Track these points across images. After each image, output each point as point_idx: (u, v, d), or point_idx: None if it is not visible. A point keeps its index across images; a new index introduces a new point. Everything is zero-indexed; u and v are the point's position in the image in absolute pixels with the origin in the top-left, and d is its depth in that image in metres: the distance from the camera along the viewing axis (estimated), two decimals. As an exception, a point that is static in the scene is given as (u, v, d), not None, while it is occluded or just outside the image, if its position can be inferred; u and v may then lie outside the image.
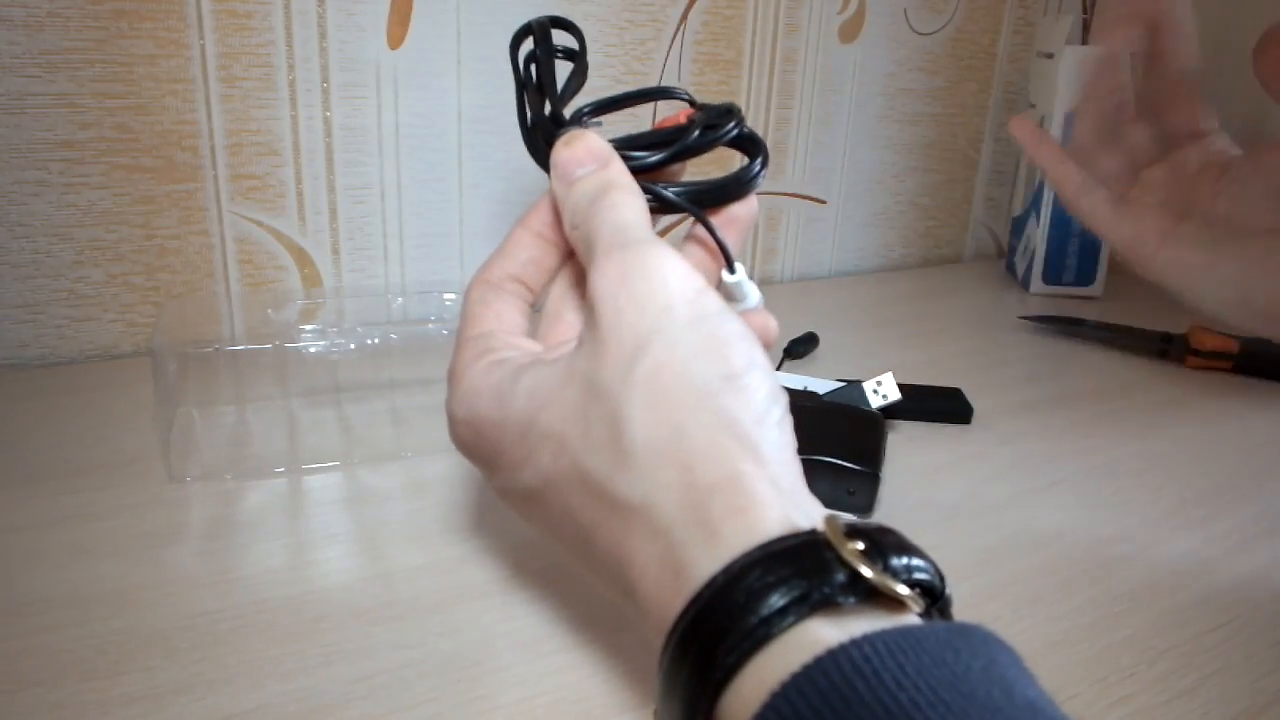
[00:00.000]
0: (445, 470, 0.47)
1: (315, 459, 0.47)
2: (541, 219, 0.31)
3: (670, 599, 0.22)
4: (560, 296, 0.33)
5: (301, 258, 0.64)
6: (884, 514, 0.44)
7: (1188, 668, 0.35)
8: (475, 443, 0.29)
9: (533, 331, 0.32)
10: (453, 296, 0.55)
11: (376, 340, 0.48)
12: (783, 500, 0.23)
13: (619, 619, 0.36)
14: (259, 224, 0.62)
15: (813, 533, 0.22)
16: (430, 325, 0.55)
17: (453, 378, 0.30)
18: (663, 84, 0.34)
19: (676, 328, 0.25)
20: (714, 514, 0.22)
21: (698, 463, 0.23)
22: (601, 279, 0.26)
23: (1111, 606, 0.38)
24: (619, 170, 0.29)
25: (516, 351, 0.29)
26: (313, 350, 0.46)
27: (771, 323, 0.32)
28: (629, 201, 0.28)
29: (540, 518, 0.28)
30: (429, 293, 0.56)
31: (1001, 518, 0.45)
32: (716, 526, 0.22)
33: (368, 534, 0.41)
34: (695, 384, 0.24)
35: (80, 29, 0.54)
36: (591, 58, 0.68)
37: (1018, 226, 0.84)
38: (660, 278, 0.25)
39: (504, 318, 0.31)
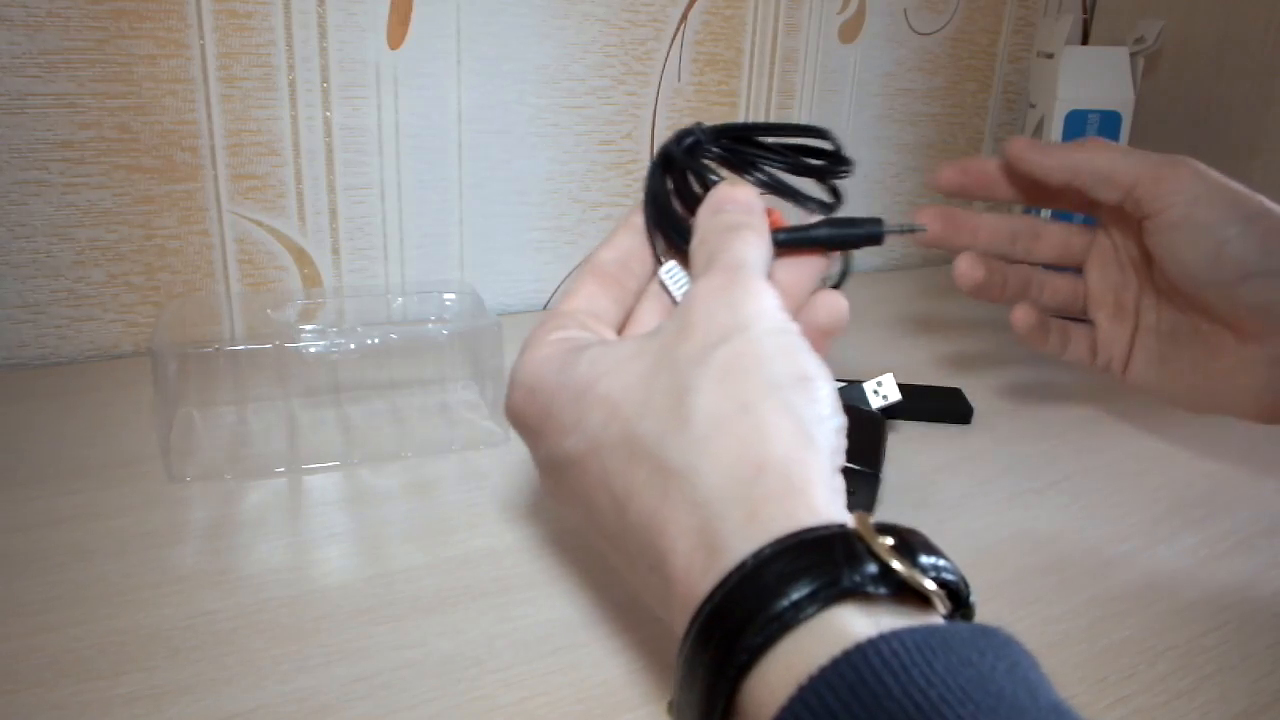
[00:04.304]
0: (445, 470, 0.47)
1: (315, 459, 0.47)
2: (640, 217, 0.34)
3: (699, 578, 0.23)
4: (646, 298, 0.34)
5: (301, 258, 0.64)
6: (884, 514, 0.44)
7: (1186, 668, 0.35)
8: (527, 406, 0.30)
9: (620, 326, 0.34)
10: (453, 296, 0.55)
11: (376, 340, 0.48)
12: (826, 495, 0.23)
13: (619, 620, 0.36)
14: (259, 224, 0.62)
15: (844, 526, 0.22)
16: (430, 325, 0.55)
17: (526, 343, 0.31)
18: (816, 124, 0.35)
19: (761, 330, 0.26)
20: (757, 493, 0.23)
21: (755, 439, 0.24)
22: (706, 283, 0.28)
23: (1111, 606, 0.38)
24: (761, 224, 0.31)
25: (589, 334, 0.31)
26: (313, 350, 0.46)
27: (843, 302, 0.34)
28: (759, 244, 0.30)
29: (576, 488, 0.28)
30: (429, 293, 0.56)
31: (1001, 518, 0.45)
32: (757, 508, 0.23)
33: (368, 534, 0.41)
34: (768, 375, 0.25)
35: (80, 29, 0.54)
36: (591, 57, 0.69)
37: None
38: (758, 296, 0.27)
39: (595, 300, 0.32)
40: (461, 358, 0.56)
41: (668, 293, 0.33)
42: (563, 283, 0.74)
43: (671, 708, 0.24)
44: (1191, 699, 0.33)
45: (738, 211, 0.31)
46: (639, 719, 0.31)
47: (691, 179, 0.33)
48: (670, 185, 0.34)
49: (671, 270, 0.33)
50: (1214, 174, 0.40)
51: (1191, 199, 0.40)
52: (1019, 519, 0.45)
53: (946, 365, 0.63)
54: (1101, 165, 0.42)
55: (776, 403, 0.24)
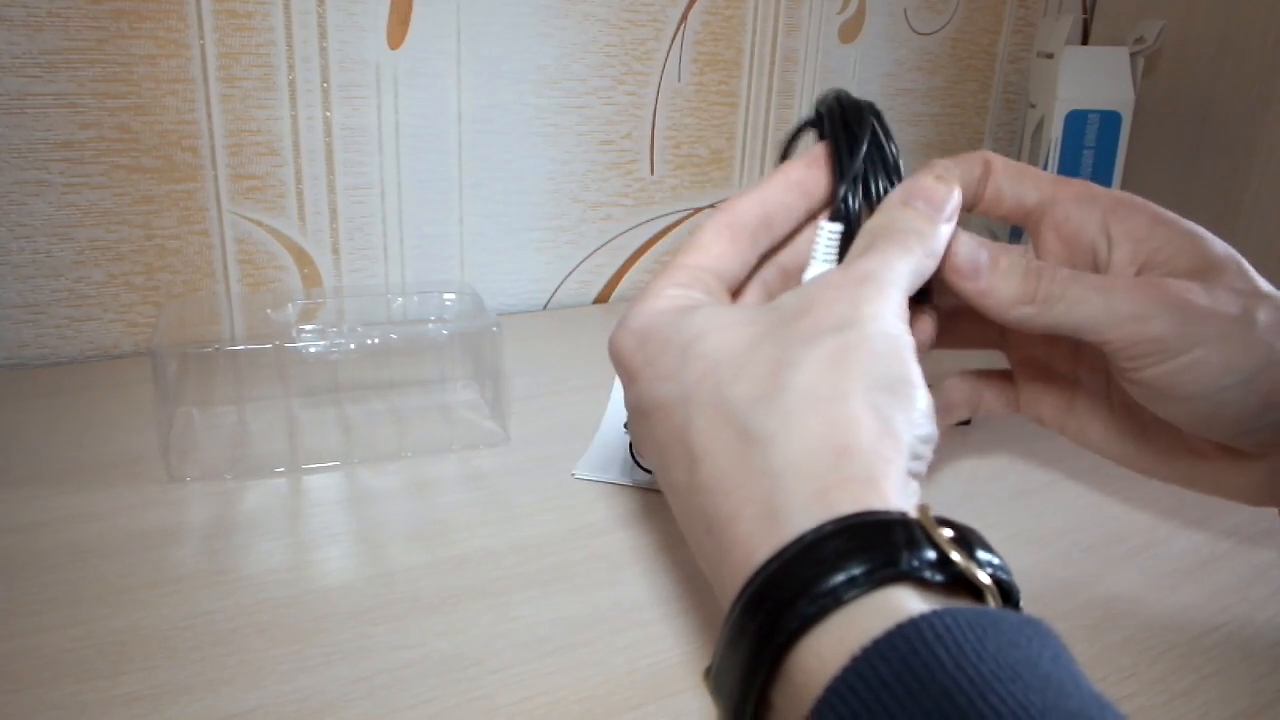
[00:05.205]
0: (445, 470, 0.47)
1: (315, 459, 0.47)
2: (801, 171, 0.32)
3: (757, 545, 0.23)
4: (769, 266, 0.34)
5: (301, 258, 0.64)
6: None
7: (1187, 668, 0.35)
8: (634, 350, 0.30)
9: (739, 285, 0.33)
10: (453, 296, 0.55)
11: (376, 340, 0.48)
12: (899, 492, 0.23)
13: (618, 619, 0.36)
14: (259, 224, 0.62)
15: (905, 514, 0.22)
16: (430, 325, 0.55)
17: (646, 290, 0.31)
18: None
19: (876, 330, 0.26)
20: (834, 476, 0.23)
21: (844, 425, 0.24)
22: (840, 275, 0.28)
23: (1111, 606, 0.38)
24: (945, 233, 0.31)
25: (709, 298, 0.31)
26: (313, 350, 0.46)
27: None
28: (919, 254, 0.29)
29: (657, 435, 0.28)
30: (429, 293, 0.56)
31: (1001, 518, 0.45)
32: (829, 488, 0.23)
33: (368, 534, 0.41)
34: (873, 371, 0.25)
35: (80, 29, 0.54)
36: (591, 57, 0.69)
37: (1016, 227, 0.84)
38: (884, 300, 0.27)
39: (724, 260, 0.31)
40: (461, 358, 0.56)
41: (819, 245, 0.32)
42: (563, 282, 0.74)
43: (709, 675, 0.24)
44: (1191, 699, 0.33)
45: (923, 213, 0.30)
46: (640, 718, 0.31)
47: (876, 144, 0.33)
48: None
49: (835, 232, 0.32)
50: (1222, 303, 0.30)
51: (1189, 353, 0.30)
52: (1019, 519, 0.45)
53: (946, 365, 0.63)
54: (1082, 323, 0.31)
55: (873, 398, 0.24)
